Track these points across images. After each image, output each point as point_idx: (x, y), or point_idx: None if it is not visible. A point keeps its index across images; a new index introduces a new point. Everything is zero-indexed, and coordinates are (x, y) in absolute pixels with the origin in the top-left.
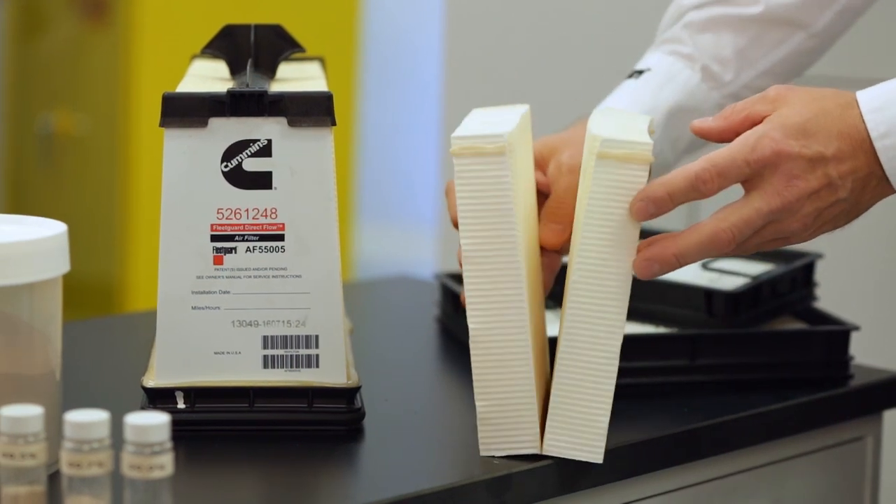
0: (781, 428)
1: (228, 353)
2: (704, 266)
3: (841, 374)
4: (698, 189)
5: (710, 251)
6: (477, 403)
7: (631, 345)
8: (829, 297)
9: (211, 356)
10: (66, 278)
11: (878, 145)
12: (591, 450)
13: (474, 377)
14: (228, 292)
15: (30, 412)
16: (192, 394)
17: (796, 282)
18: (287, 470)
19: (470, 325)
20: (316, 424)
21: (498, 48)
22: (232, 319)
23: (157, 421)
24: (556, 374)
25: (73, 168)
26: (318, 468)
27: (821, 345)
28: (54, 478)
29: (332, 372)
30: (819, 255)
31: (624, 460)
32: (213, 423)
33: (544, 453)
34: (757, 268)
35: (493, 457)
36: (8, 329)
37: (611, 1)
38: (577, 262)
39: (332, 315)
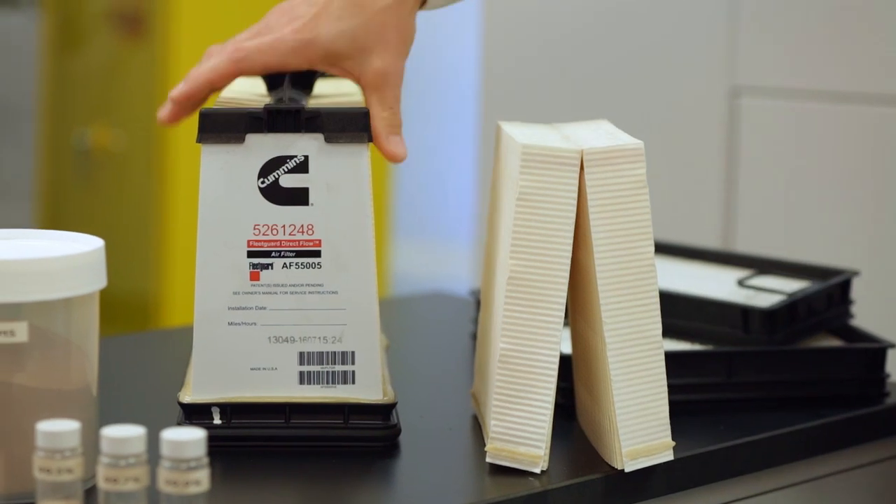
0: (817, 445)
1: (265, 368)
2: (741, 283)
3: (877, 391)
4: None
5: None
6: (491, 422)
7: (668, 362)
8: (866, 314)
9: (247, 372)
10: (103, 293)
11: None
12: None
13: (495, 397)
14: (265, 308)
15: (67, 427)
16: (229, 409)
17: (833, 299)
18: (323, 486)
19: (501, 345)
20: (352, 441)
21: (535, 65)
22: (268, 335)
23: (193, 436)
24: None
25: (109, 183)
26: (355, 485)
27: (857, 362)
28: (91, 493)
29: (368, 388)
30: (855, 273)
31: (660, 477)
32: (249, 439)
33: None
34: (793, 285)
35: (532, 474)
36: (45, 344)
37: (648, 18)
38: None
39: (368, 331)
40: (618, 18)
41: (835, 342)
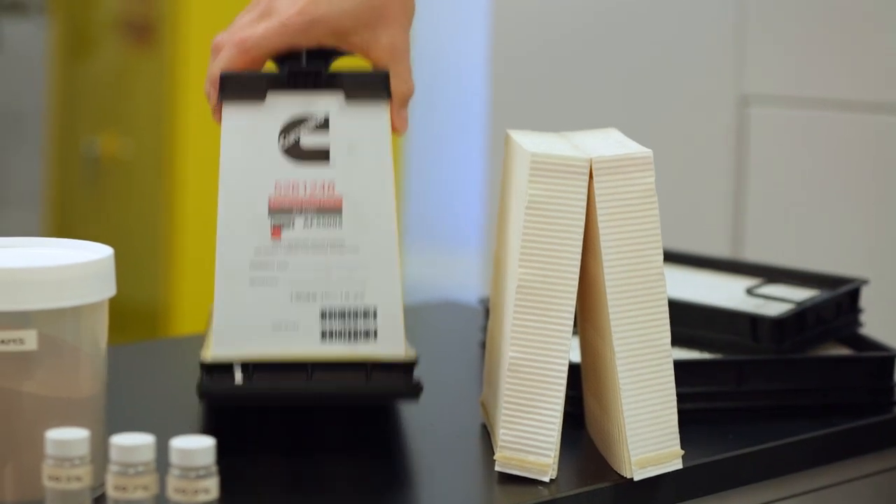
0: (827, 454)
1: (286, 327)
2: (749, 292)
3: (886, 400)
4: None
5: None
6: (500, 430)
7: (677, 370)
8: (875, 323)
9: (269, 330)
10: (112, 302)
11: None
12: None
13: (504, 405)
14: (286, 266)
15: (76, 435)
16: (251, 368)
17: (841, 307)
18: (331, 493)
19: (510, 354)
20: (374, 398)
21: (543, 74)
22: (290, 293)
23: (202, 445)
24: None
25: (118, 191)
26: (364, 492)
27: (866, 371)
28: (100, 501)
29: (390, 345)
30: (864, 281)
31: (669, 486)
32: (271, 397)
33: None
34: (802, 294)
35: (540, 483)
36: (54, 352)
37: (656, 27)
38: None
39: (390, 288)
40: (626, 27)
41: (843, 351)
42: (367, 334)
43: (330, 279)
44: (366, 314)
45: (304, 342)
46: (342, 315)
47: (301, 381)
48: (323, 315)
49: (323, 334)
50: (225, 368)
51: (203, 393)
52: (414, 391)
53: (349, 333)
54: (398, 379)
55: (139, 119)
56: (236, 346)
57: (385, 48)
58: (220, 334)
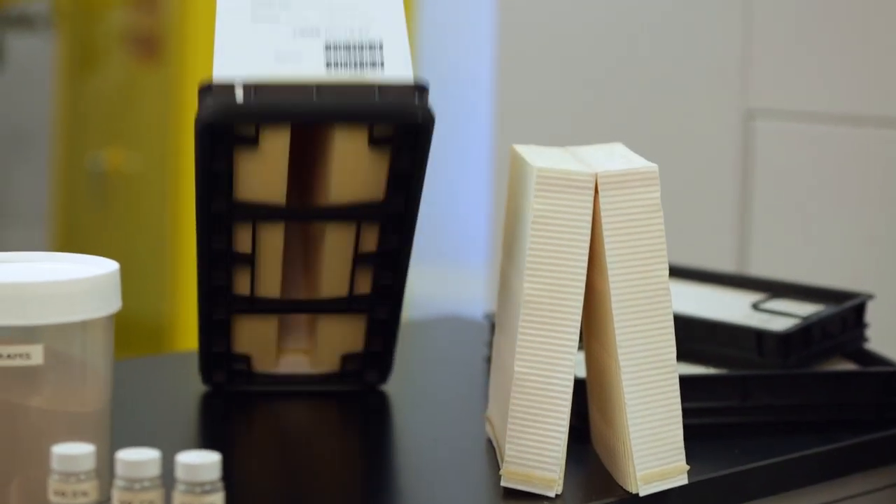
0: (832, 469)
1: (289, 58)
2: (755, 307)
3: (892, 415)
4: None
5: None
6: (505, 445)
7: (682, 385)
8: (881, 337)
9: (271, 60)
10: (117, 316)
11: None
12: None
13: (509, 420)
14: (289, 5)
15: (81, 450)
16: (252, 88)
17: (847, 322)
18: None
19: (516, 369)
20: (383, 116)
21: (549, 89)
22: (293, 28)
23: (208, 460)
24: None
25: (124, 206)
26: None
27: (872, 386)
28: None
29: (398, 71)
30: (870, 296)
31: (674, 501)
32: (274, 113)
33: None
34: (808, 308)
35: (546, 498)
36: (61, 367)
37: (662, 42)
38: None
39: (395, 21)
40: (632, 42)
41: (849, 366)
42: (373, 64)
43: (333, 15)
44: (371, 46)
45: (308, 70)
46: (347, 47)
47: (306, 98)
48: (327, 47)
49: (328, 65)
50: (226, 89)
51: (202, 117)
52: (425, 114)
53: (355, 63)
54: (408, 98)
55: (145, 134)
56: (237, 70)
57: None
58: (220, 61)
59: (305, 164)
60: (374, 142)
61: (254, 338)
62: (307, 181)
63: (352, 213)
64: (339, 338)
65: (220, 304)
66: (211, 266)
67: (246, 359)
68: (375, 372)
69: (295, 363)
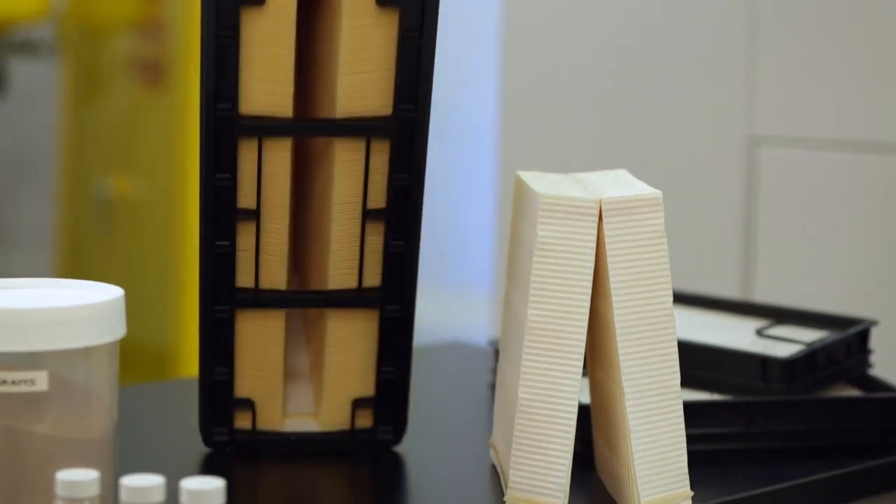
0: (837, 495)
1: None
2: (759, 333)
3: None
4: None
5: None
6: (509, 472)
7: (686, 411)
8: (885, 363)
9: None
10: (121, 342)
11: None
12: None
13: (513, 446)
14: None
15: (86, 476)
16: None
17: (851, 348)
18: None
19: (520, 395)
20: None
21: (554, 116)
22: None
23: (212, 486)
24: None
25: (129, 232)
26: None
27: (876, 412)
28: None
29: None
30: (874, 322)
31: None
32: None
33: None
34: (812, 335)
35: None
36: (65, 393)
37: (666, 68)
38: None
39: None
40: (636, 68)
41: (853, 392)
42: None
43: None
44: None
45: None
46: None
47: None
48: None
49: None
50: None
51: None
52: None
53: None
54: None
55: (150, 160)
56: None
57: None
58: None
59: (311, 56)
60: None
61: (259, 364)
62: (313, 91)
63: (360, 127)
64: (349, 377)
65: (223, 297)
66: (216, 229)
67: (250, 405)
68: (389, 428)
69: (301, 424)
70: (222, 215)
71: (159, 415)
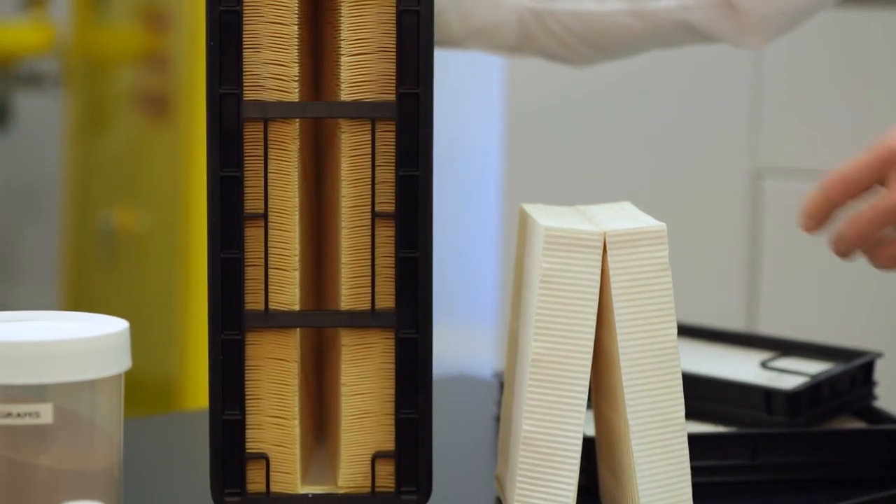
0: None
1: None
2: (764, 365)
3: None
4: (827, 196)
5: (859, 240)
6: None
7: (691, 444)
8: (890, 396)
9: None
10: (126, 374)
11: None
12: None
13: (518, 479)
14: None
15: None
16: None
17: (856, 381)
18: None
19: (524, 427)
20: None
21: (557, 148)
22: None
23: None
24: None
25: (133, 265)
26: None
27: (881, 444)
28: None
29: None
30: (878, 354)
31: None
32: None
33: None
34: (816, 367)
35: None
36: (70, 425)
37: (670, 101)
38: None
39: None
40: (640, 101)
41: (858, 424)
42: None
43: None
44: None
45: None
46: None
47: None
48: None
49: None
50: None
51: None
52: None
53: None
54: None
55: (155, 193)
56: None
57: None
58: None
59: (315, 46)
60: None
61: (273, 405)
62: (318, 79)
63: (365, 107)
64: (368, 425)
65: (232, 318)
66: (223, 235)
67: (264, 460)
68: (413, 490)
69: (318, 481)
70: (229, 220)
71: (165, 448)
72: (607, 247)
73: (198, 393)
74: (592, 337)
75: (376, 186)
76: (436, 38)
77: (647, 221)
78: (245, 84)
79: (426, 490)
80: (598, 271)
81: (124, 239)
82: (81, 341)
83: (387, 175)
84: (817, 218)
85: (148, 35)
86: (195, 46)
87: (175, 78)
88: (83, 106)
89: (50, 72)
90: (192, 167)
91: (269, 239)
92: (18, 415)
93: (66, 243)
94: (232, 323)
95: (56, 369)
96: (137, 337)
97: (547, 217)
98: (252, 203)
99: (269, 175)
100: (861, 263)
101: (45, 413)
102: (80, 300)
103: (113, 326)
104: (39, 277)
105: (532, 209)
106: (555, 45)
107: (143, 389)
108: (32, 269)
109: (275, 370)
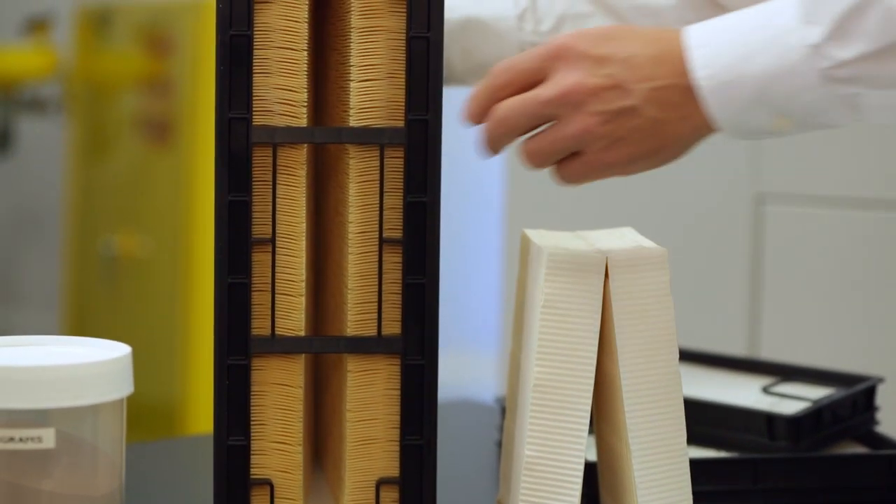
0: None
1: None
2: (766, 390)
3: None
4: (492, 84)
5: (500, 129)
6: None
7: (693, 469)
8: (891, 420)
9: None
10: (128, 400)
11: (694, 53)
12: None
13: (521, 503)
14: None
15: None
16: None
17: (857, 406)
18: None
19: (526, 453)
20: None
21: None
22: None
23: None
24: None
25: (135, 290)
26: None
27: (882, 469)
28: None
29: None
30: (880, 379)
31: None
32: None
33: None
34: (818, 392)
35: None
36: (72, 450)
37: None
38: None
39: None
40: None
41: (860, 449)
42: None
43: None
44: None
45: None
46: None
47: None
48: None
49: None
50: None
51: None
52: None
53: None
54: None
55: (157, 217)
56: None
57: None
58: None
59: (323, 71)
60: None
61: (277, 431)
62: (325, 106)
63: (374, 133)
64: (372, 451)
65: (237, 343)
66: (230, 259)
67: (268, 485)
68: None
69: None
70: (237, 245)
71: (167, 473)
72: (609, 271)
73: (200, 418)
74: (594, 362)
75: (384, 212)
76: None
77: (648, 246)
78: (254, 109)
79: None
80: (600, 296)
81: (126, 263)
82: (83, 366)
83: (394, 201)
84: (481, 104)
85: (150, 60)
86: (197, 71)
87: (177, 103)
88: (85, 131)
89: (52, 96)
90: (194, 192)
91: (277, 264)
92: (21, 439)
93: (68, 268)
94: (238, 348)
95: (58, 394)
96: (139, 362)
97: (549, 242)
98: (260, 228)
99: (278, 200)
100: (861, 288)
101: (48, 438)
102: (82, 325)
103: (115, 351)
104: (41, 302)
105: (534, 234)
106: None
107: (145, 414)
108: (34, 294)
109: (280, 396)
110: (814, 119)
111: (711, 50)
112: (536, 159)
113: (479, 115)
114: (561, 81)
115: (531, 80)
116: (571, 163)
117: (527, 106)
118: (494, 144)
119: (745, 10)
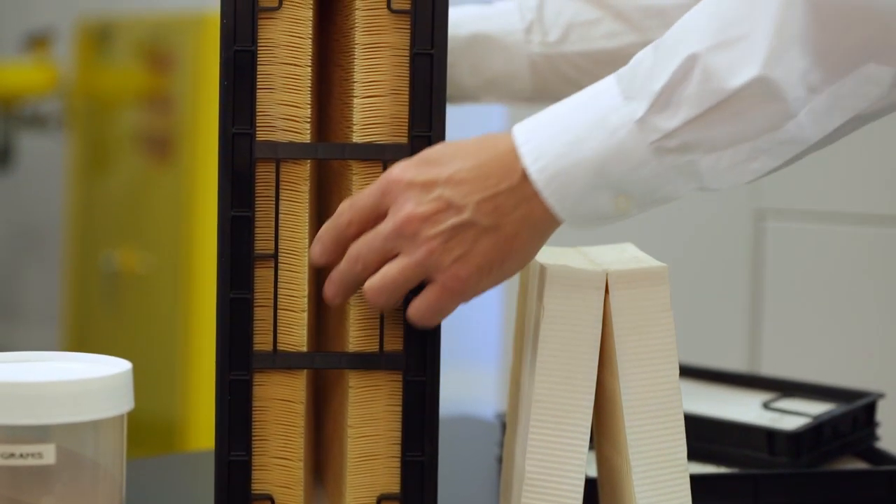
0: None
1: None
2: (766, 406)
3: None
4: (337, 225)
5: (356, 266)
6: None
7: (693, 485)
8: (892, 436)
9: None
10: (129, 415)
11: (523, 149)
12: None
13: None
14: None
15: None
16: None
17: (858, 421)
18: None
19: (527, 468)
20: None
21: None
22: None
23: None
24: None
25: (136, 306)
26: None
27: (883, 485)
28: None
29: None
30: (880, 395)
31: None
32: None
33: None
34: (818, 408)
35: None
36: (73, 466)
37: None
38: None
39: None
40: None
41: (860, 464)
42: None
43: None
44: None
45: None
46: None
47: None
48: None
49: None
50: None
51: None
52: None
53: None
54: None
55: (157, 234)
56: None
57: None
58: None
59: (325, 87)
60: (393, 10)
61: (278, 447)
62: (328, 122)
63: (377, 149)
64: (374, 467)
65: (239, 355)
66: (232, 276)
67: (269, 501)
68: None
69: None
70: (239, 260)
71: (168, 488)
72: (609, 287)
73: (201, 433)
74: (594, 377)
75: None
76: (448, 92)
77: (648, 262)
78: (258, 124)
79: None
80: (601, 312)
81: (127, 279)
82: (84, 382)
83: None
84: (327, 244)
85: (151, 76)
86: (198, 87)
87: (178, 119)
88: (86, 146)
89: (53, 112)
90: (195, 208)
91: (279, 279)
92: (21, 455)
93: (69, 284)
94: (240, 363)
95: (59, 410)
96: (140, 377)
97: (549, 258)
98: (262, 244)
99: (280, 216)
100: (862, 304)
101: (48, 454)
102: (82, 341)
103: (115, 367)
104: (42, 318)
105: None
106: (570, 89)
107: (145, 430)
108: (35, 310)
109: (281, 411)
110: (656, 193)
111: (540, 141)
112: (384, 294)
113: (329, 253)
114: (396, 214)
115: (373, 216)
116: (425, 293)
117: (372, 242)
118: (347, 286)
119: (572, 95)
